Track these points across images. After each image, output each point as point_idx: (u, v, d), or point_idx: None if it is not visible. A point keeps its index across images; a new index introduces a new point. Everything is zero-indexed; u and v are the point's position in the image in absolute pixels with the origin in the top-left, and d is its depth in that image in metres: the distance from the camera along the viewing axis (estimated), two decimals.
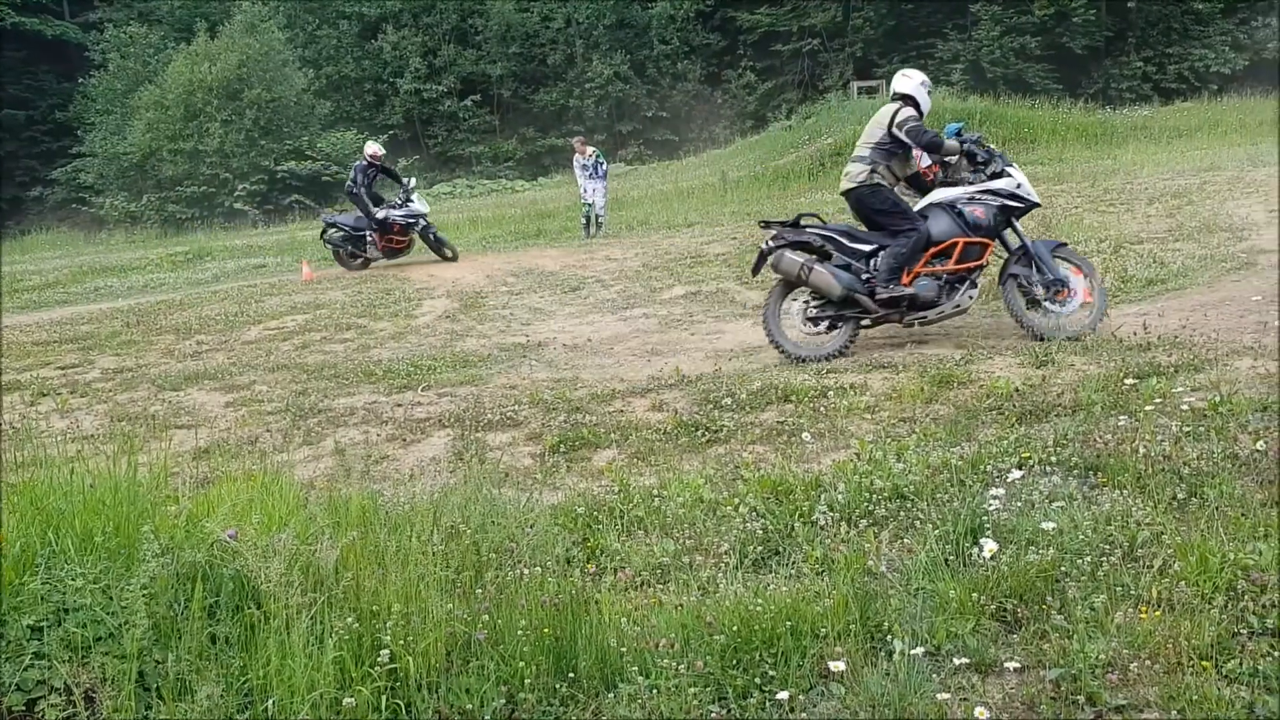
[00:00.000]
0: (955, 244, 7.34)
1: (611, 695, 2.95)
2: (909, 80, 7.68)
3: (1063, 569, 3.36)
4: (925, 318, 7.40)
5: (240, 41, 35.65)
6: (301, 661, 2.85)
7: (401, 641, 2.98)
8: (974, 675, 2.92)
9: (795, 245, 7.40)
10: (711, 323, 9.61)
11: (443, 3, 42.48)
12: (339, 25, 42.26)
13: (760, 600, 3.23)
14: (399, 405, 7.09)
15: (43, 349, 11.12)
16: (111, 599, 2.92)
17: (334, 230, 16.71)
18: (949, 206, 7.43)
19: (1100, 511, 3.77)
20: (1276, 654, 2.83)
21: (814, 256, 7.37)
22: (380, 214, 16.05)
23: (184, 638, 2.93)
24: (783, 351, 7.38)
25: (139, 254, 25.25)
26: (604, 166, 19.18)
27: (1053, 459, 4.40)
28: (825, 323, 7.43)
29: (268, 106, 35.23)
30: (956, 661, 2.97)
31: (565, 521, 4.32)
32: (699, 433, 5.70)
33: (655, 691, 2.87)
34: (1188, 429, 4.63)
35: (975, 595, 3.23)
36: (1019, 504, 3.97)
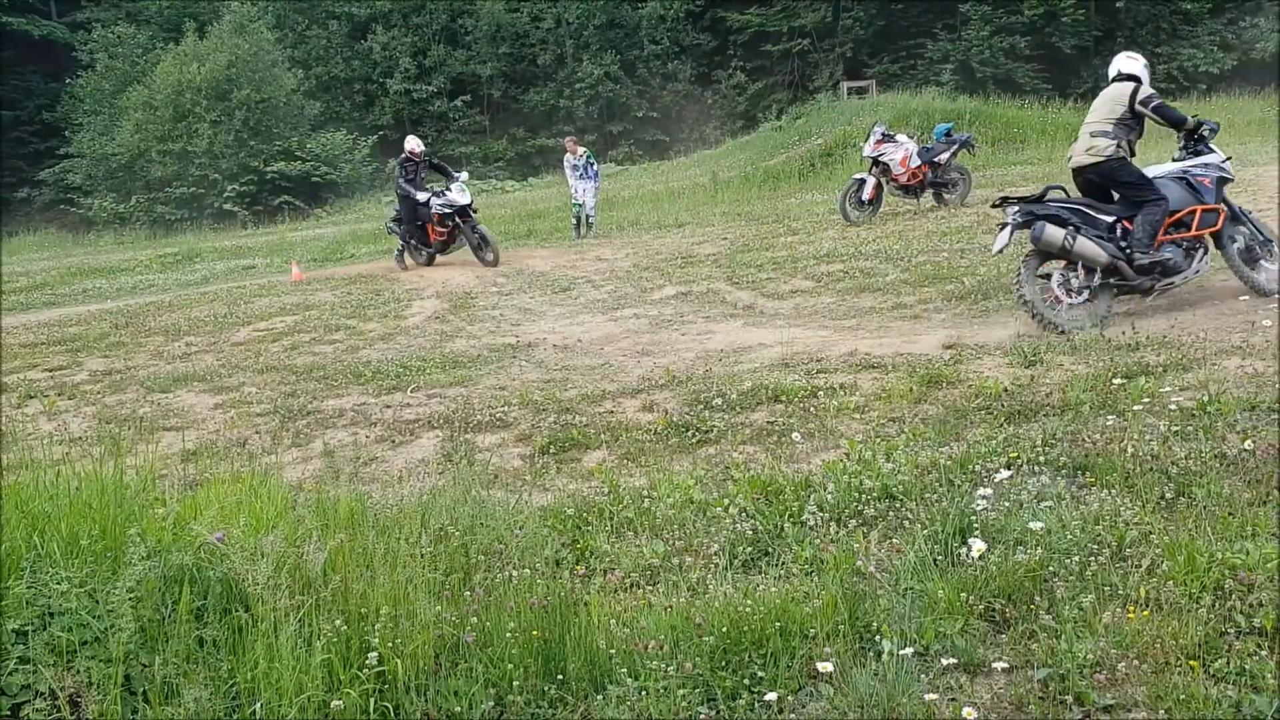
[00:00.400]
0: (1193, 212, 7.59)
1: (600, 697, 2.95)
2: (1135, 62, 7.98)
3: (1051, 569, 3.36)
4: (1173, 284, 7.66)
5: (229, 42, 35.54)
6: (289, 664, 2.84)
7: (390, 644, 2.97)
8: (962, 675, 2.93)
9: (1043, 218, 7.53)
10: (702, 323, 9.62)
11: (432, 3, 42.40)
12: (328, 25, 42.14)
13: (749, 601, 3.23)
14: (388, 407, 7.08)
15: (30, 351, 11.08)
16: (97, 602, 2.91)
17: (394, 223, 16.64)
18: (1179, 178, 7.71)
19: (1088, 511, 3.78)
20: (1264, 653, 2.84)
21: (1072, 228, 7.49)
22: (422, 196, 15.54)
23: (171, 641, 2.92)
24: (1049, 325, 7.36)
25: (128, 255, 25.18)
26: (595, 167, 19.19)
27: (1041, 459, 4.41)
28: (1085, 293, 7.56)
29: (257, 107, 35.13)
30: (945, 662, 2.97)
31: (554, 523, 4.31)
32: (689, 433, 5.70)
33: (644, 693, 2.87)
34: (1176, 428, 4.64)
35: (963, 595, 3.23)
36: (1007, 504, 3.98)
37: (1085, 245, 7.41)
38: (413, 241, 16.16)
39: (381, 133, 41.01)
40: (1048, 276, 7.64)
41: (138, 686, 2.83)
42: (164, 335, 11.69)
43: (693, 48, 44.67)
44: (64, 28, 43.17)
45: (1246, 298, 7.58)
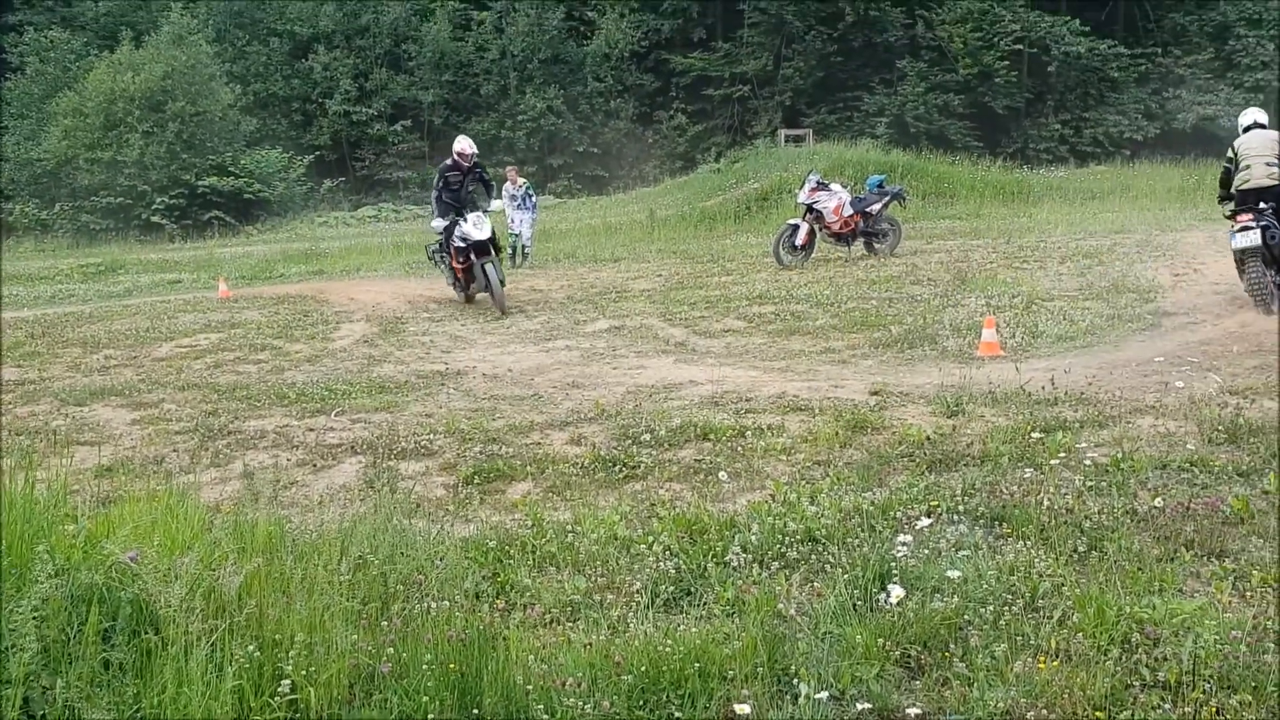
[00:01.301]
0: None
1: None
2: (1264, 115, 10.11)
3: (966, 617, 3.42)
4: None
5: (166, 53, 35.01)
6: (199, 690, 2.77)
7: (304, 672, 2.91)
8: None
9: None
10: (634, 358, 9.64)
11: (376, 26, 42.26)
12: (269, 43, 41.77)
13: (670, 641, 3.23)
14: (311, 430, 6.97)
15: None
16: None
17: (438, 251, 13.77)
18: None
19: (1004, 561, 3.85)
20: (1168, 706, 2.91)
21: None
22: (438, 223, 13.19)
23: (75, 663, 2.83)
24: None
25: (48, 263, 24.55)
26: (533, 198, 19.21)
27: (960, 508, 4.49)
28: None
29: (191, 120, 34.60)
30: (860, 706, 3.00)
31: (476, 555, 4.27)
32: (616, 468, 5.69)
33: None
34: (1090, 483, 4.76)
35: (881, 641, 3.27)
36: (926, 551, 4.04)
37: None
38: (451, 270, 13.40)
39: (318, 153, 40.68)
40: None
41: (37, 710, 2.73)
42: (82, 347, 11.38)
43: (636, 87, 45.15)
44: None
45: (1162, 358, 7.82)
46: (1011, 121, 40.53)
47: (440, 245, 13.49)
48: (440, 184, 13.31)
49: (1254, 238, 9.23)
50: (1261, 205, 9.33)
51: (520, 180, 19.14)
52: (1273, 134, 9.72)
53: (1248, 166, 9.59)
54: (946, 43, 39.49)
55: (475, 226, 12.51)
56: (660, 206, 27.75)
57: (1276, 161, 9.45)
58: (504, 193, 19.34)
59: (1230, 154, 9.92)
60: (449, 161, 13.34)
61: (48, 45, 39.08)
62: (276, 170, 36.45)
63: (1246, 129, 9.86)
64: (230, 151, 35.31)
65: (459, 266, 12.91)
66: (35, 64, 38.54)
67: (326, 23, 41.67)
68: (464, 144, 13.32)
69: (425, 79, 42.62)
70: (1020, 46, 39.20)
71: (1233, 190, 9.73)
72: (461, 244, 12.62)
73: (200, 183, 33.53)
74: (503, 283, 12.86)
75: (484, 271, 12.58)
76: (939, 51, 40.13)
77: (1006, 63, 38.92)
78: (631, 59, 44.90)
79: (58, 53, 38.90)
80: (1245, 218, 9.33)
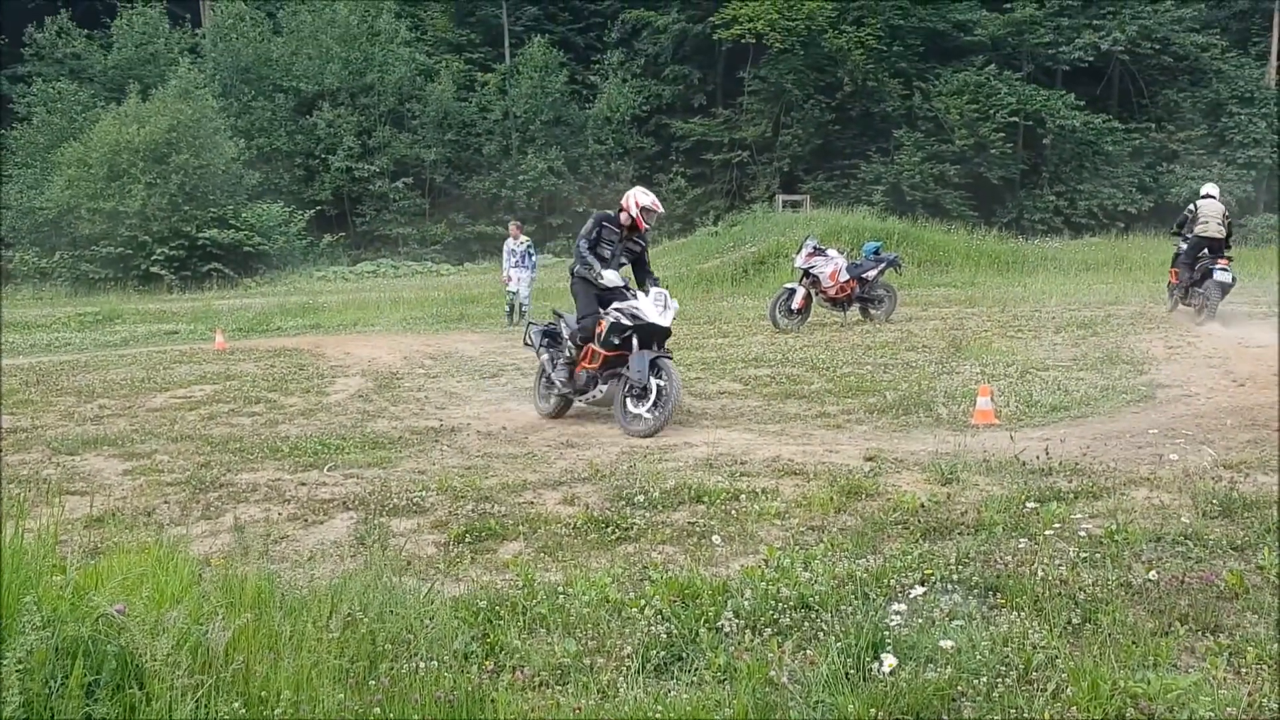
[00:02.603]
0: None
1: None
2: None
3: (959, 688, 3.39)
4: None
5: (172, 106, 35.31)
6: None
7: None
8: None
9: None
10: None
11: (381, 85, 42.79)
12: (275, 98, 42.19)
13: (660, 707, 3.20)
14: (303, 484, 6.94)
15: None
16: None
17: (546, 334, 10.02)
18: None
19: (998, 632, 3.82)
20: None
21: None
22: (612, 275, 9.25)
23: (57, 717, 2.79)
24: None
25: (45, 311, 24.58)
26: (534, 257, 19.36)
27: (954, 577, 4.47)
28: None
29: (195, 172, 34.80)
30: None
31: (466, 615, 4.23)
32: (609, 529, 5.66)
33: None
34: (1084, 555, 4.74)
35: (873, 711, 3.24)
36: (920, 620, 4.01)
37: None
38: (558, 363, 9.59)
39: (320, 207, 40.92)
40: None
41: None
42: (76, 396, 11.37)
43: (636, 150, 45.67)
44: (3, 79, 42.65)
45: (1156, 430, 7.83)
46: (1007, 192, 41.00)
47: (554, 324, 10.00)
48: (595, 235, 9.38)
49: (1227, 277, 14.33)
50: (1207, 251, 14.51)
51: (522, 237, 19.28)
52: (1220, 205, 14.89)
53: (1205, 222, 14.62)
54: (943, 114, 40.06)
55: (654, 307, 9.00)
56: (658, 268, 27.80)
57: (1222, 224, 14.59)
58: (504, 246, 19.48)
59: (1192, 207, 15.08)
60: (618, 216, 9.44)
61: (55, 96, 39.44)
62: (277, 224, 36.62)
63: (1204, 196, 15.12)
64: (232, 204, 35.48)
65: (604, 353, 9.10)
66: (42, 114, 38.87)
67: (331, 80, 42.15)
68: (652, 199, 9.46)
69: (428, 138, 43.05)
70: (1016, 119, 39.77)
71: (1185, 233, 15.16)
72: (627, 324, 8.98)
73: (201, 235, 33.65)
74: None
75: (655, 372, 8.71)
76: (935, 122, 40.69)
77: (1002, 134, 39.48)
78: (633, 123, 45.46)
79: (64, 103, 39.26)
80: (1224, 262, 14.42)
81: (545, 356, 9.78)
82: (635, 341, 8.95)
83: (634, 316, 8.95)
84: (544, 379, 9.86)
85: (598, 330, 9.14)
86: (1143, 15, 40.15)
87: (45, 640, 2.92)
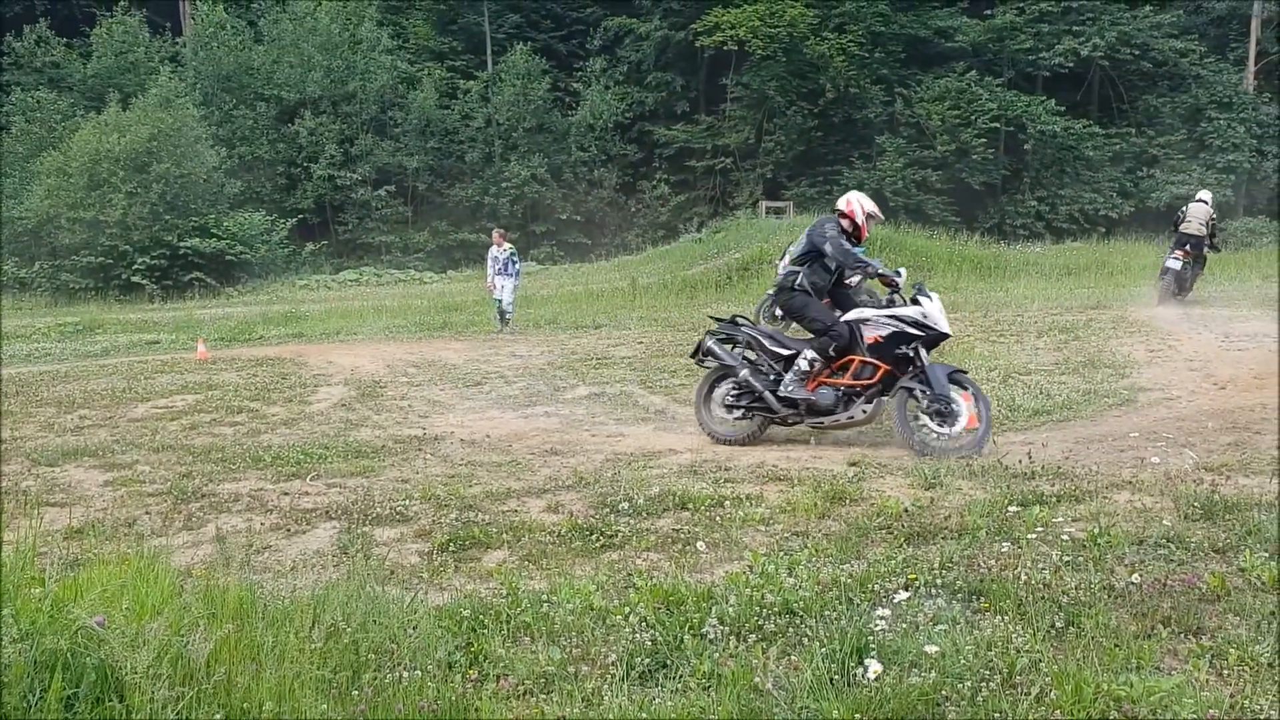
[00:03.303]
0: None
1: None
2: None
3: (944, 693, 3.39)
4: None
5: (153, 115, 35.14)
6: None
7: None
8: None
9: None
10: (614, 425, 9.63)
11: (363, 93, 42.71)
12: (256, 107, 42.04)
13: (645, 715, 3.19)
14: (285, 494, 6.90)
15: None
16: None
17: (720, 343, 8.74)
18: None
19: (982, 636, 3.83)
20: None
21: None
22: (876, 264, 8.29)
23: None
24: None
25: (25, 321, 24.41)
26: (517, 264, 19.34)
27: (938, 581, 4.47)
28: None
29: (175, 181, 34.63)
30: None
31: (449, 624, 4.21)
32: (593, 537, 5.65)
33: None
34: (1067, 558, 4.76)
35: (858, 716, 3.24)
36: (904, 625, 4.01)
37: None
38: (786, 377, 8.18)
39: (302, 216, 40.80)
40: None
41: None
42: (56, 406, 11.29)
43: (619, 157, 45.73)
44: None
45: (1137, 434, 7.87)
46: (988, 197, 41.23)
47: (733, 332, 8.70)
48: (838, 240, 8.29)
49: (1176, 265, 16.57)
50: (1188, 247, 16.49)
51: (505, 245, 19.27)
52: (1208, 209, 16.92)
53: (1188, 222, 16.74)
54: (925, 120, 40.29)
55: (937, 309, 8.05)
56: (642, 274, 27.94)
57: (1204, 224, 16.65)
58: (488, 254, 19.48)
59: (1184, 209, 17.19)
60: (847, 223, 8.44)
61: (34, 105, 39.19)
62: (259, 233, 36.47)
63: (1197, 200, 17.26)
64: (214, 213, 35.33)
65: (884, 365, 7.96)
66: (20, 123, 38.60)
67: (313, 88, 42.02)
68: (874, 206, 8.64)
69: (410, 145, 42.99)
70: (997, 125, 40.04)
71: (1177, 230, 17.05)
72: (910, 333, 7.92)
73: (182, 244, 33.49)
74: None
75: (925, 393, 7.74)
76: (917, 128, 40.92)
77: (983, 140, 39.75)
78: (616, 130, 45.53)
79: (44, 113, 39.00)
80: (1180, 253, 16.56)
81: (746, 371, 8.40)
82: (923, 352, 7.91)
83: (918, 324, 7.92)
84: (733, 395, 8.48)
85: (873, 339, 7.99)
86: (1122, 21, 40.49)
87: (24, 653, 2.89)
